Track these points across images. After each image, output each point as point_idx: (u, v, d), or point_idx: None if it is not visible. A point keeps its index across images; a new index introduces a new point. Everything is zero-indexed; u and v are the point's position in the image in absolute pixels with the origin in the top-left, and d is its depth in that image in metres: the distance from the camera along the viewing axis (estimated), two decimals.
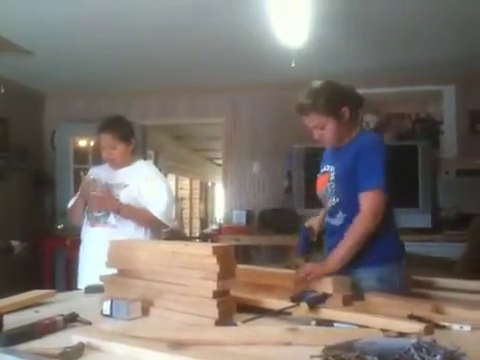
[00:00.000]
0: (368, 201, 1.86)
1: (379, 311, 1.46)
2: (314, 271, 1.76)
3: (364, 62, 4.81)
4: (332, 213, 2.00)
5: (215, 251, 1.48)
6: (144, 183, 2.61)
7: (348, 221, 1.90)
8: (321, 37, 4.00)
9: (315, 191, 2.15)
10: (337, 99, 1.96)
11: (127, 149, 2.66)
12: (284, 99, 5.90)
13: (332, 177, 1.99)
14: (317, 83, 2.01)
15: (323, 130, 1.97)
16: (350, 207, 1.90)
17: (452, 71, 5.07)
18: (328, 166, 2.06)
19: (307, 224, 2.16)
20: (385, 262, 1.88)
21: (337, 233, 1.92)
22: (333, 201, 1.98)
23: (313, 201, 5.14)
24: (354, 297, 1.61)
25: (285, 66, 4.01)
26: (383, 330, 1.30)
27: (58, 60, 4.73)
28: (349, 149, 1.98)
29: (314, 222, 2.15)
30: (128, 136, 2.66)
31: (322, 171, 2.12)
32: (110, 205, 2.55)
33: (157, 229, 2.66)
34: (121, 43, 4.30)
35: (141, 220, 2.58)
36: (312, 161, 5.31)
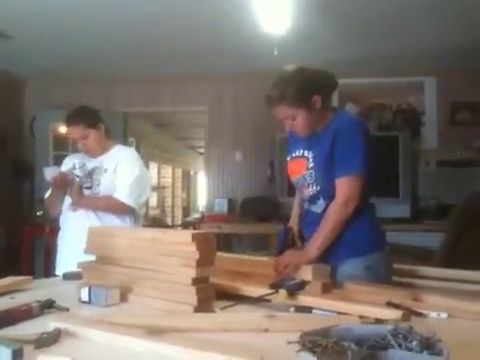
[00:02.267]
0: (344, 188, 1.81)
1: (357, 298, 1.47)
2: (293, 261, 1.74)
3: (346, 52, 4.81)
4: (312, 200, 1.94)
5: (194, 238, 1.47)
6: (118, 166, 2.59)
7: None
8: (304, 26, 3.99)
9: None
10: (307, 89, 1.84)
11: (99, 134, 2.64)
12: (267, 88, 5.91)
13: (311, 164, 1.91)
14: (287, 70, 1.90)
15: (294, 121, 1.88)
16: (331, 194, 1.85)
17: (434, 63, 5.11)
18: (304, 151, 1.96)
19: (289, 224, 2.09)
20: (371, 250, 1.86)
21: (318, 221, 1.87)
22: (314, 189, 1.91)
23: (295, 190, 5.18)
24: (333, 285, 1.62)
25: (268, 54, 3.99)
26: (361, 317, 1.32)
27: (38, 45, 4.64)
28: (326, 133, 1.88)
29: (293, 222, 2.09)
30: (95, 121, 2.64)
31: (294, 155, 2.01)
32: (73, 198, 2.55)
33: (125, 213, 2.61)
34: (103, 29, 4.23)
35: (104, 208, 2.56)
36: None
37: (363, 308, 1.36)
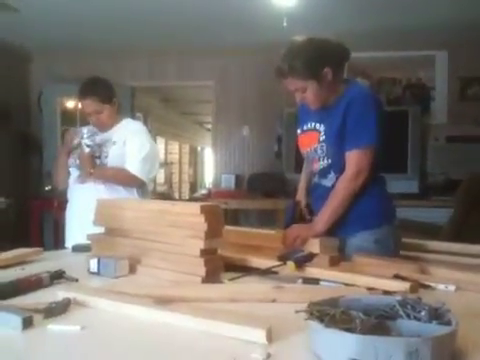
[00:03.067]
0: (354, 161, 1.79)
1: (365, 271, 1.47)
2: (301, 234, 1.74)
3: (356, 25, 4.73)
4: (323, 174, 1.92)
5: (203, 210, 1.47)
6: (127, 139, 2.59)
7: None
8: None
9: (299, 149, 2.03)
10: (317, 60, 1.81)
11: (112, 110, 2.63)
12: (275, 61, 5.84)
13: (322, 137, 1.88)
14: (296, 41, 1.87)
15: (304, 93, 1.84)
16: (342, 168, 1.83)
17: (445, 36, 5.02)
18: (315, 124, 1.93)
19: (297, 198, 2.08)
20: (380, 224, 1.85)
21: (328, 194, 1.85)
22: (325, 163, 1.89)
23: (302, 166, 5.16)
24: (340, 258, 1.62)
25: (276, 27, 3.94)
26: (369, 289, 1.32)
27: (45, 18, 4.59)
28: (338, 105, 1.84)
29: (300, 195, 2.08)
30: (110, 97, 2.62)
31: (305, 128, 1.98)
32: (84, 168, 2.55)
33: (135, 186, 2.61)
34: (109, 2, 4.18)
35: (116, 180, 2.57)
36: None
37: (371, 280, 1.36)
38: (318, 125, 1.92)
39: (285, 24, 3.70)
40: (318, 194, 1.96)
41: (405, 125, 5.01)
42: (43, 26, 4.84)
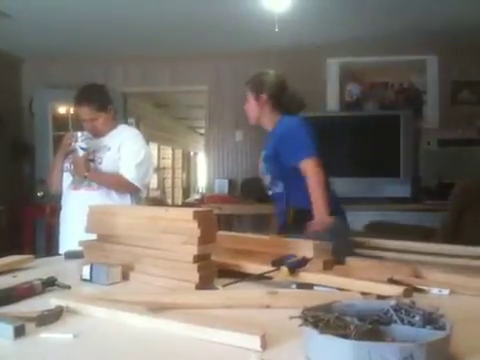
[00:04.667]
0: (308, 165, 2.28)
1: (359, 275, 1.47)
2: (319, 229, 2.00)
3: (348, 30, 4.76)
4: (273, 184, 2.44)
5: (196, 216, 1.46)
6: (122, 145, 2.58)
7: (287, 187, 2.38)
8: (305, 3, 3.94)
9: None
10: (260, 85, 2.54)
11: (108, 117, 2.62)
12: (268, 67, 5.85)
13: (262, 157, 2.48)
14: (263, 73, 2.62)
15: (248, 105, 2.56)
16: (282, 177, 2.38)
17: (436, 41, 5.06)
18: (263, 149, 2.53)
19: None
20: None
21: (281, 198, 2.39)
22: (269, 177, 2.44)
23: None
24: (334, 262, 1.62)
25: (268, 32, 3.96)
26: (363, 293, 1.31)
27: (36, 24, 4.59)
28: (273, 134, 2.44)
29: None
30: (106, 104, 2.61)
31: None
32: (79, 170, 2.53)
33: (130, 192, 2.61)
34: (101, 8, 4.18)
35: (111, 184, 2.56)
36: None
37: (365, 284, 1.36)
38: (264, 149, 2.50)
39: (277, 29, 3.72)
40: (276, 198, 2.48)
41: (397, 129, 5.04)
42: (35, 32, 4.83)
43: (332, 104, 5.59)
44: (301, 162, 2.28)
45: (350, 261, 1.63)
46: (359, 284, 1.37)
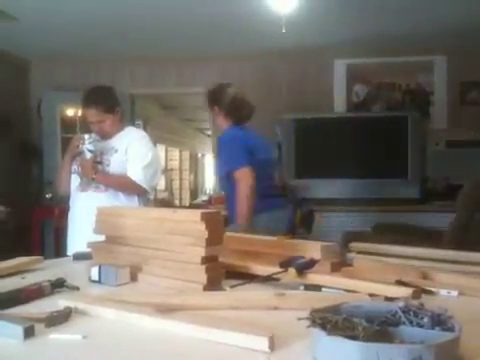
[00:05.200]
0: (235, 175, 2.66)
1: (367, 277, 1.46)
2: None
3: (355, 31, 4.75)
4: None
5: (203, 217, 1.47)
6: (129, 147, 2.59)
7: (226, 191, 2.88)
8: (311, 4, 3.94)
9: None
10: (213, 100, 3.00)
11: (115, 119, 2.63)
12: (274, 68, 5.87)
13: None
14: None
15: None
16: (224, 185, 2.89)
17: (443, 41, 5.04)
18: None
19: None
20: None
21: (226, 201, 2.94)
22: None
23: (303, 171, 5.18)
24: (342, 264, 1.62)
25: (275, 34, 3.96)
26: (371, 295, 1.31)
27: (43, 27, 4.61)
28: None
29: None
30: (113, 106, 2.63)
31: None
32: (86, 173, 2.54)
33: (137, 194, 2.62)
34: (107, 10, 4.20)
35: (118, 186, 2.57)
36: (302, 132, 5.35)
37: (373, 286, 1.36)
38: None
39: (284, 30, 3.71)
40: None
41: (405, 130, 5.02)
42: (42, 34, 4.85)
43: (339, 105, 5.57)
44: (229, 172, 2.67)
45: (358, 263, 1.62)
46: (367, 286, 1.36)
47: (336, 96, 5.58)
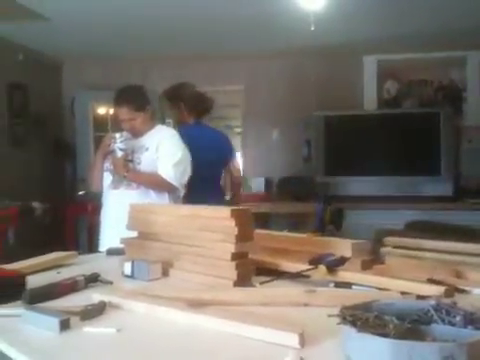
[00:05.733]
0: None
1: (398, 275, 1.45)
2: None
3: (386, 27, 4.68)
4: None
5: (233, 214, 1.48)
6: (160, 145, 2.62)
7: None
8: (340, 0, 3.90)
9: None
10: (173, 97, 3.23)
11: (146, 117, 2.67)
12: (303, 66, 5.85)
13: None
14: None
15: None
16: None
17: (477, 37, 4.91)
18: None
19: None
20: None
21: None
22: None
23: (332, 169, 5.15)
24: (373, 261, 1.61)
25: (304, 31, 3.92)
26: (402, 293, 1.30)
27: (75, 27, 4.69)
28: None
29: None
30: (144, 104, 2.66)
31: None
32: (118, 171, 2.59)
33: (168, 191, 2.64)
34: (138, 9, 4.24)
35: (149, 184, 2.60)
36: (332, 129, 5.32)
37: (404, 284, 1.35)
38: None
39: (313, 28, 3.69)
40: None
41: (437, 127, 4.93)
42: (74, 34, 4.94)
43: (369, 103, 5.50)
44: None
45: (390, 261, 1.61)
46: (399, 284, 1.35)
47: (366, 93, 5.51)
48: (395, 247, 1.79)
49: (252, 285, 1.46)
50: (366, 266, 1.55)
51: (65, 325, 1.11)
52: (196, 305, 1.19)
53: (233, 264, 1.46)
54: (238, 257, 1.48)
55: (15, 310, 1.22)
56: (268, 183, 5.74)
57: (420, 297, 1.26)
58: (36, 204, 3.72)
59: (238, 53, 5.54)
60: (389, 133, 5.07)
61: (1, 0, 3.89)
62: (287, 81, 5.61)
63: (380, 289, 1.38)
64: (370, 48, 5.26)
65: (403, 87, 5.58)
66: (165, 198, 2.64)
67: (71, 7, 4.15)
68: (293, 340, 0.97)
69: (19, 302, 1.28)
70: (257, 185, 5.75)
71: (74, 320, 1.14)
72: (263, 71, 5.81)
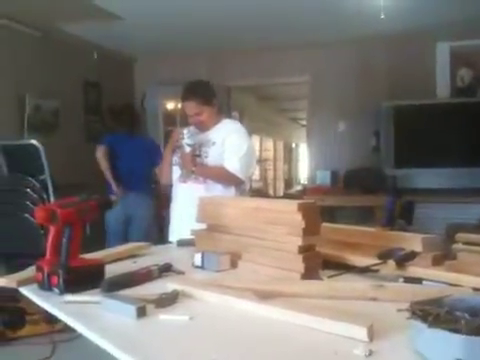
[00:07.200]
0: None
1: (471, 270, 1.41)
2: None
3: (458, 11, 4.48)
4: None
5: (300, 207, 1.49)
6: (226, 139, 2.66)
7: None
8: None
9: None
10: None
11: (212, 111, 2.72)
12: (374, 54, 5.71)
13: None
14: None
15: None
16: None
17: None
18: None
19: None
20: None
21: None
22: None
23: (403, 160, 5.00)
24: (444, 257, 1.57)
25: (372, 20, 3.85)
26: (475, 289, 1.27)
27: (147, 25, 4.85)
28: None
29: None
30: (210, 98, 2.71)
31: None
32: (186, 166, 2.66)
33: (234, 184, 2.69)
34: (203, 6, 4.32)
35: (216, 177, 2.65)
36: (402, 119, 5.16)
37: (477, 280, 1.31)
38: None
39: (383, 16, 3.60)
40: None
41: None
42: (145, 32, 5.11)
43: (443, 91, 5.30)
44: None
45: (462, 256, 1.56)
46: (471, 280, 1.32)
47: (439, 81, 5.31)
48: (466, 243, 1.74)
49: (319, 278, 1.47)
50: (437, 261, 1.52)
51: (142, 312, 1.17)
52: (264, 296, 1.22)
53: (300, 257, 1.47)
54: (305, 250, 1.49)
55: (94, 297, 1.30)
56: (334, 176, 5.67)
57: None
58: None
59: (304, 43, 5.49)
60: (462, 123, 4.86)
61: (79, 2, 4.09)
62: (357, 70, 5.51)
63: (451, 285, 1.35)
64: (442, 34, 5.05)
65: (478, 75, 5.32)
66: (231, 191, 2.69)
67: (143, 6, 4.29)
68: (362, 333, 0.98)
69: (98, 290, 1.35)
70: (323, 178, 5.71)
71: (149, 307, 1.20)
72: (330, 61, 5.73)
